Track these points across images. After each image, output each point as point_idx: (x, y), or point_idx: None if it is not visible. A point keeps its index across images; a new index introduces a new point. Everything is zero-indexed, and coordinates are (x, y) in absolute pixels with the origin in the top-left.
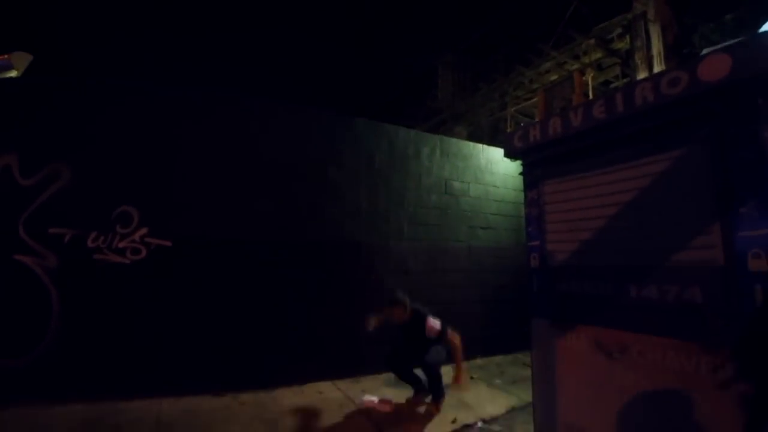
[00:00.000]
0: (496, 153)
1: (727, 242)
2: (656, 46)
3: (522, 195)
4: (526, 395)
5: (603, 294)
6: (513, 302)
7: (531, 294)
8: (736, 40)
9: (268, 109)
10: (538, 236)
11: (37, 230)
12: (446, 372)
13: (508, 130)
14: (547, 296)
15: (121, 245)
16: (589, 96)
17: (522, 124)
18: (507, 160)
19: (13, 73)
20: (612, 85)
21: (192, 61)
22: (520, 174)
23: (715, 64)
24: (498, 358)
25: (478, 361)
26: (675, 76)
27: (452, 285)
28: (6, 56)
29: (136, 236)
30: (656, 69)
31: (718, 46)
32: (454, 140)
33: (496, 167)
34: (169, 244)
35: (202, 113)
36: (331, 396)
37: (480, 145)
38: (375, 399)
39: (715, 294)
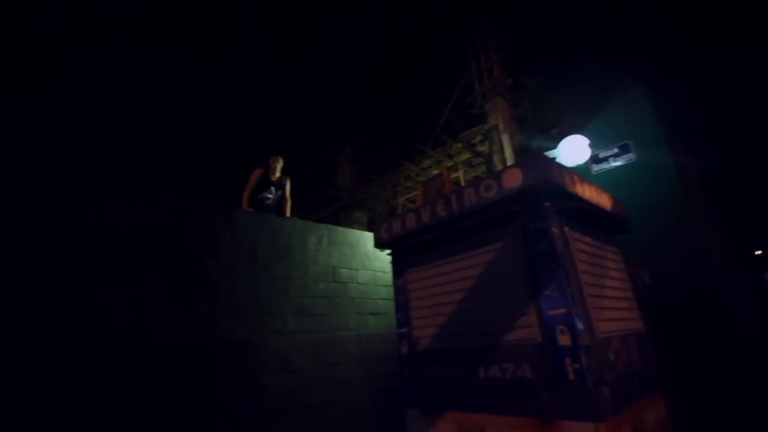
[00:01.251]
0: None
1: (541, 321)
2: (507, 150)
3: None
4: None
5: (459, 377)
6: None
7: (402, 382)
8: (525, 158)
9: (134, 199)
10: (406, 323)
11: None
12: None
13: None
14: (417, 384)
15: None
16: None
17: (387, 218)
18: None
19: None
20: None
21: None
22: (390, 263)
23: (512, 175)
24: None
25: None
26: (489, 183)
27: (341, 380)
28: None
29: None
30: None
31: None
32: (341, 229)
33: (382, 253)
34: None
35: (55, 202)
36: None
37: (366, 233)
38: None
39: (540, 369)
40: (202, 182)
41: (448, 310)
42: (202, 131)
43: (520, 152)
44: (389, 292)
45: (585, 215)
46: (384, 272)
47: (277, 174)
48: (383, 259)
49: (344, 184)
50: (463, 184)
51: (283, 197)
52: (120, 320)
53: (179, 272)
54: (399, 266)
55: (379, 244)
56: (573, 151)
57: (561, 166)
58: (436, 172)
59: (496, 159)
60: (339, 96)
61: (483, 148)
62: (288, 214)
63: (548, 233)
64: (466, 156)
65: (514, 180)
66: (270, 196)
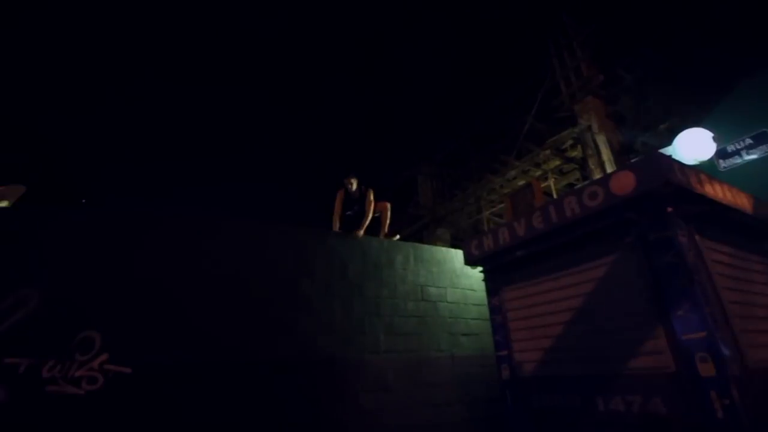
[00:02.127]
0: None
1: (674, 347)
2: (605, 153)
3: None
4: None
5: (573, 408)
6: (506, 420)
7: (506, 411)
8: (637, 160)
9: (235, 227)
10: (506, 345)
11: None
12: None
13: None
14: (523, 414)
15: (77, 374)
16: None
17: (479, 234)
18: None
19: (5, 204)
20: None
21: (166, 183)
22: (483, 281)
23: (622, 179)
24: None
25: None
26: (593, 190)
27: (438, 402)
28: (2, 187)
29: (95, 363)
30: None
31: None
32: (426, 246)
33: (471, 271)
34: (128, 371)
35: (169, 234)
36: None
37: (453, 250)
38: None
39: (676, 403)
40: (294, 210)
41: (555, 332)
42: (290, 163)
43: (621, 154)
44: (481, 311)
45: (720, 220)
46: (473, 290)
47: (354, 189)
48: (472, 276)
49: (426, 202)
50: (554, 194)
51: (361, 211)
52: (234, 337)
53: (280, 292)
54: (493, 284)
55: (470, 261)
56: (693, 146)
57: (683, 165)
58: (522, 182)
59: (591, 163)
60: (416, 114)
61: (575, 153)
62: (362, 229)
63: (675, 243)
64: (555, 163)
65: (625, 184)
66: (349, 213)
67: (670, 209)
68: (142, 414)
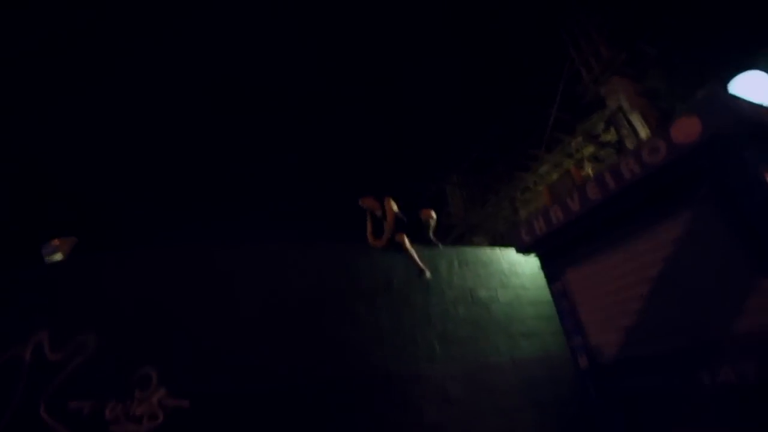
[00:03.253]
0: (517, 255)
1: None
2: (643, 131)
3: None
4: None
5: (671, 387)
6: (580, 420)
7: (590, 404)
8: (699, 99)
9: (282, 251)
10: (578, 332)
11: (58, 406)
12: None
13: None
14: (609, 405)
15: (138, 412)
16: None
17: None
18: (530, 260)
19: (59, 257)
20: None
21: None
22: (540, 269)
23: (685, 127)
24: None
25: None
26: (653, 145)
27: (505, 409)
28: (55, 241)
29: (154, 399)
30: None
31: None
32: (470, 249)
33: (521, 268)
34: (186, 404)
35: (216, 265)
36: None
37: (498, 249)
38: None
39: None
40: (328, 227)
41: (634, 307)
42: (314, 190)
43: (660, 127)
44: (537, 311)
45: None
46: (526, 289)
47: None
48: (522, 275)
49: (457, 211)
50: None
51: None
52: (286, 361)
53: (329, 309)
54: (552, 269)
55: (522, 249)
56: (751, 90)
57: (748, 101)
58: (556, 176)
59: (629, 144)
60: (436, 126)
61: (609, 137)
62: (386, 234)
63: (764, 181)
64: (589, 150)
65: (690, 131)
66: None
67: (746, 150)
68: None
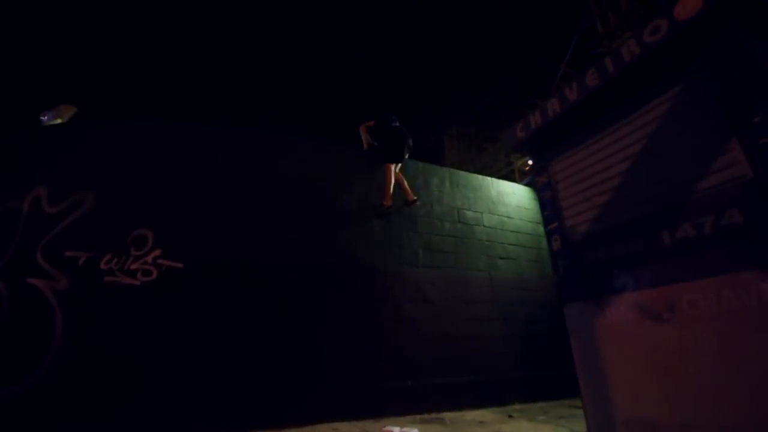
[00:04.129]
0: (507, 186)
1: (750, 154)
2: None
3: (540, 227)
4: (577, 426)
5: (634, 251)
6: (546, 339)
7: (558, 280)
8: None
9: (282, 141)
10: (556, 217)
11: (54, 254)
12: None
13: (518, 182)
14: (576, 275)
15: (133, 267)
16: None
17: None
18: (518, 194)
19: (58, 121)
20: None
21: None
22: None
23: (688, 2)
24: (540, 404)
25: (516, 406)
26: (655, 24)
27: (476, 317)
28: (55, 108)
29: (149, 258)
30: None
31: None
32: (462, 172)
33: (508, 199)
34: (180, 265)
35: (217, 145)
36: (347, 430)
37: (489, 178)
38: (397, 429)
39: (755, 209)
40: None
41: (612, 185)
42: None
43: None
44: (518, 238)
45: None
46: (511, 218)
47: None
48: (509, 205)
49: (452, 163)
50: None
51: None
52: (278, 240)
53: (322, 205)
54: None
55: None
56: None
57: None
58: None
59: None
60: (440, 76)
61: None
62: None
63: (750, 51)
64: None
65: (691, 6)
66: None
67: (742, 24)
68: (189, 304)
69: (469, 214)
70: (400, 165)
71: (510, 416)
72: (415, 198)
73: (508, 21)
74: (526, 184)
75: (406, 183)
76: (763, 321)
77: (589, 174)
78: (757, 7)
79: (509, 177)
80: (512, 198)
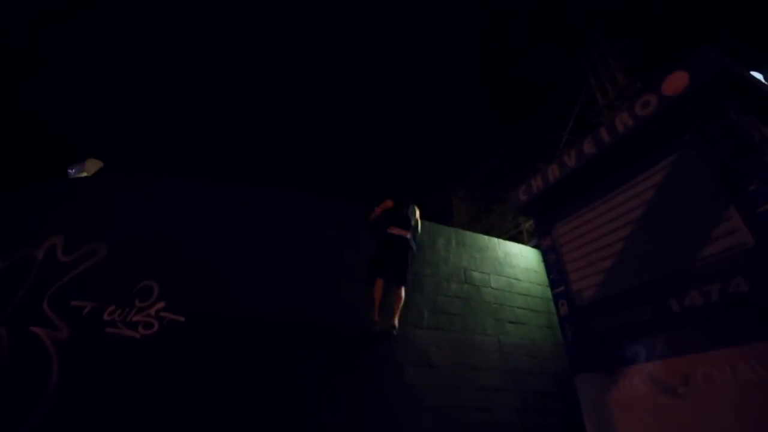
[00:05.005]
0: (514, 247)
1: (749, 222)
2: None
3: (548, 290)
4: None
5: (643, 319)
6: (560, 414)
7: (567, 346)
8: (687, 59)
9: (288, 198)
10: (562, 281)
11: (61, 303)
12: None
13: (526, 244)
14: (586, 342)
15: (135, 319)
16: None
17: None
18: (526, 255)
19: (84, 174)
20: None
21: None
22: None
23: (675, 79)
24: None
25: None
26: (645, 99)
27: (484, 387)
28: (83, 162)
29: (152, 310)
30: None
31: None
32: (469, 233)
33: (516, 260)
34: (182, 319)
35: (222, 202)
36: None
37: (496, 239)
38: None
39: (759, 277)
40: None
41: (615, 250)
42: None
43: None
44: (527, 302)
45: None
46: (519, 280)
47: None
48: (516, 266)
49: (460, 224)
50: None
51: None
52: (286, 298)
53: (326, 262)
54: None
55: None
56: None
57: (735, 62)
58: None
59: None
60: (448, 140)
61: None
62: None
63: (739, 125)
64: None
65: (678, 84)
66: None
67: (727, 99)
68: (188, 358)
69: (476, 275)
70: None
71: None
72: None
73: (515, 90)
74: (534, 246)
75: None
76: None
77: (593, 238)
78: (740, 84)
79: (517, 238)
80: (520, 260)
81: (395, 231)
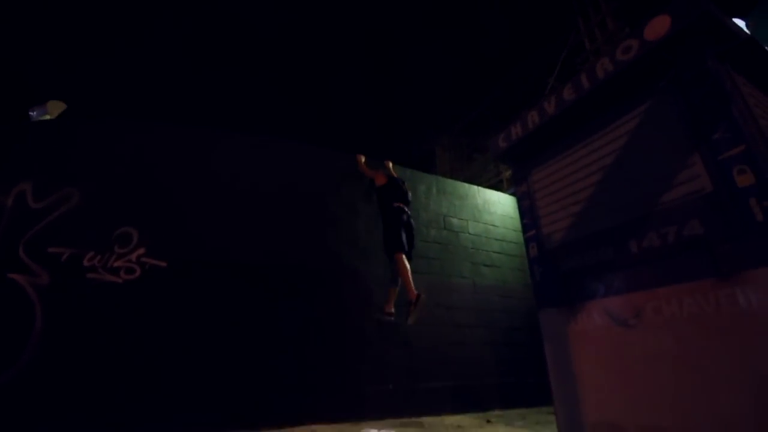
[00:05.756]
0: (493, 195)
1: (710, 169)
2: None
3: (522, 235)
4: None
5: (605, 259)
6: (527, 347)
7: (534, 286)
8: (669, 5)
9: (273, 145)
10: (533, 225)
11: (37, 250)
12: None
13: (505, 191)
14: (551, 282)
15: (116, 264)
16: None
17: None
18: (504, 203)
19: (47, 117)
20: None
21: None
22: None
23: (657, 23)
24: (520, 410)
25: (496, 411)
26: (627, 43)
27: (459, 324)
28: (45, 104)
29: (133, 256)
30: None
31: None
32: (449, 180)
33: (494, 207)
34: (164, 264)
35: (206, 147)
36: None
37: (476, 187)
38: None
39: (713, 220)
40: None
41: (585, 195)
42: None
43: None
44: (502, 246)
45: (752, 61)
46: (495, 226)
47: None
48: (494, 213)
49: (443, 172)
50: None
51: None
52: (268, 243)
53: (308, 209)
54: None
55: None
56: None
57: (718, 8)
58: None
59: None
60: (432, 88)
61: None
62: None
63: (712, 73)
64: None
65: (660, 28)
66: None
67: (706, 47)
68: (170, 303)
69: (455, 221)
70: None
71: (488, 421)
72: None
73: (500, 36)
74: (512, 194)
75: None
76: (719, 327)
77: (566, 184)
78: (720, 32)
79: (498, 186)
80: (498, 207)
81: (401, 205)
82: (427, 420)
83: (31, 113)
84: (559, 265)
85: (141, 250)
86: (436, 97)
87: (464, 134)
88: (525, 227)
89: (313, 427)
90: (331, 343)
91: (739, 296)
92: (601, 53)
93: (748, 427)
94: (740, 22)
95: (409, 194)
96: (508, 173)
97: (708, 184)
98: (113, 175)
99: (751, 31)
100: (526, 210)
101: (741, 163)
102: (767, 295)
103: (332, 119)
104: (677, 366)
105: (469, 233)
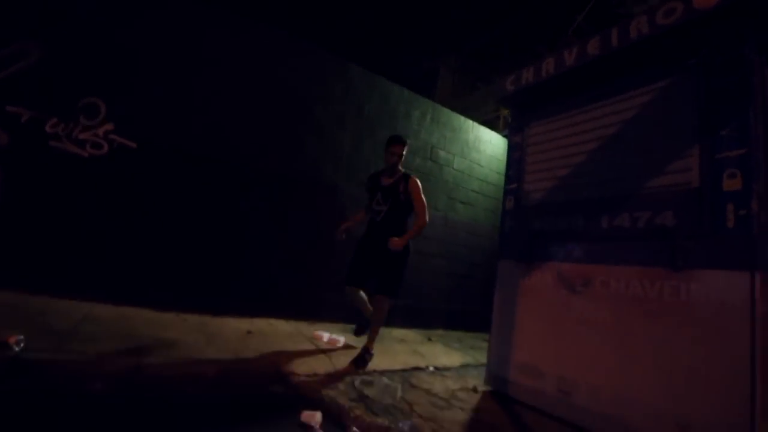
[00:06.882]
0: (486, 133)
1: (704, 164)
2: None
3: (503, 179)
4: (482, 357)
5: (573, 228)
6: (482, 282)
7: (501, 236)
8: None
9: (260, 31)
10: (517, 179)
11: None
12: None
13: (500, 131)
14: (518, 237)
15: (81, 137)
16: None
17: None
18: (494, 142)
19: None
20: None
21: None
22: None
23: None
24: (459, 333)
25: (439, 331)
26: (671, 6)
27: (425, 252)
28: None
29: (100, 131)
30: None
31: None
32: (445, 110)
33: (484, 146)
34: (133, 146)
35: (189, 22)
36: (282, 328)
37: (471, 121)
38: (326, 334)
39: (687, 216)
40: None
41: (574, 162)
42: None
43: None
44: (481, 186)
45: None
46: (480, 165)
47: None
48: (482, 152)
49: (443, 97)
50: None
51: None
52: (246, 144)
53: (293, 114)
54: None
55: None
56: None
57: None
58: None
59: None
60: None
61: None
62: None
63: (744, 62)
64: None
65: None
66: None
67: (749, 31)
68: (137, 186)
69: (442, 153)
70: None
71: (429, 339)
72: None
73: None
74: (505, 136)
75: None
76: (653, 311)
77: (559, 146)
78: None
79: (494, 123)
80: (488, 146)
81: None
82: None
83: None
84: (530, 223)
85: (109, 125)
86: (452, 5)
87: (473, 57)
88: (508, 179)
89: (271, 320)
90: (297, 249)
91: (682, 290)
92: (641, 1)
93: (654, 397)
94: None
95: None
96: (506, 112)
97: (696, 180)
98: (81, 35)
99: None
100: (513, 161)
101: (735, 166)
102: (707, 296)
103: (335, 18)
104: (606, 335)
105: (454, 168)
